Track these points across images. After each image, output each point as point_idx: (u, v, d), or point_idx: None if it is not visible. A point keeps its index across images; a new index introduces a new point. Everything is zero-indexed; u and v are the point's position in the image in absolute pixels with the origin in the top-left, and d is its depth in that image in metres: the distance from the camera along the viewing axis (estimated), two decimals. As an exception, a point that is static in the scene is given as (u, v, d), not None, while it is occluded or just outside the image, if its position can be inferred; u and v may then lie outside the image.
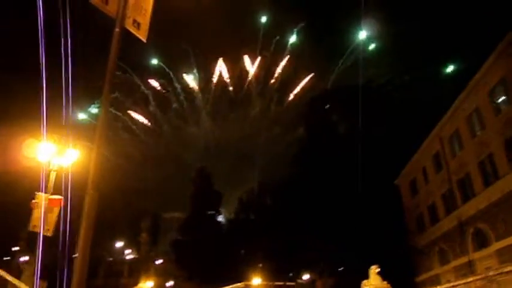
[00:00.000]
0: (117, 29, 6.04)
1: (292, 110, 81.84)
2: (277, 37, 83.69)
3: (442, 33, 60.42)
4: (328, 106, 59.79)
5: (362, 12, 67.35)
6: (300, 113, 68.86)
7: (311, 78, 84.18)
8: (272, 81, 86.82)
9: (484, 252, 31.01)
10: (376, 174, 44.19)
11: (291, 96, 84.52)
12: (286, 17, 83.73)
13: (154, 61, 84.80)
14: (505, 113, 28.35)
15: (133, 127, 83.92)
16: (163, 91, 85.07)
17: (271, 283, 38.71)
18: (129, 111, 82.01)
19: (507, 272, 13.83)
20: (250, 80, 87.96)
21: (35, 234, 15.32)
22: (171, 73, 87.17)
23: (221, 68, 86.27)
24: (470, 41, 47.69)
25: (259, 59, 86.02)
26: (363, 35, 74.54)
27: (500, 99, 29.15)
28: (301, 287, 50.20)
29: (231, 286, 35.59)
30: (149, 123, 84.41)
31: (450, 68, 66.59)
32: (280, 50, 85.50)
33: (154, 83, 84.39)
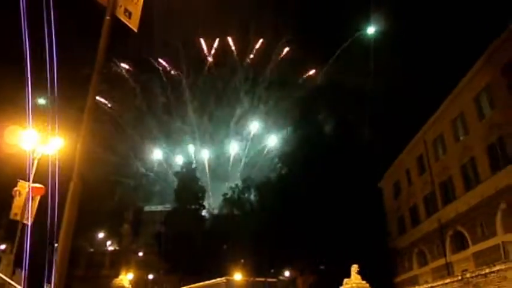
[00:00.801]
0: (107, 17, 5.97)
1: (282, 106, 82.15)
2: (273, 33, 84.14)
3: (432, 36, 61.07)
4: (317, 104, 59.97)
5: (371, 7, 67.78)
6: (288, 110, 69.19)
7: (304, 74, 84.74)
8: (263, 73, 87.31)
9: (462, 254, 31.60)
10: (360, 175, 44.57)
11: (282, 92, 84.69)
12: (284, 12, 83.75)
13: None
14: (489, 118, 28.84)
15: (119, 120, 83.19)
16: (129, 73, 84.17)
17: (252, 279, 38.78)
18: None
19: (483, 275, 14.12)
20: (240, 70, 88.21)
21: (15, 222, 15.10)
22: (160, 69, 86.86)
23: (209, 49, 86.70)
24: (458, 45, 48.22)
25: (254, 50, 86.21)
26: (371, 30, 74.69)
27: (484, 105, 29.65)
28: (282, 284, 50.45)
29: (212, 281, 35.57)
30: (110, 105, 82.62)
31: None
32: (276, 43, 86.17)
33: (125, 65, 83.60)
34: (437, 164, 36.13)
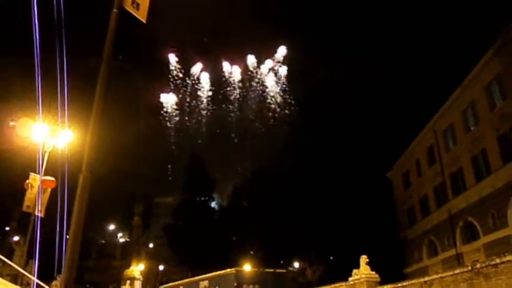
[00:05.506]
0: (115, 10, 5.97)
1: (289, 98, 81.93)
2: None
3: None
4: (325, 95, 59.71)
5: None
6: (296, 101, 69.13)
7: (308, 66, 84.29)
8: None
9: (472, 245, 31.41)
10: (369, 166, 44.47)
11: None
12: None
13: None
14: (500, 108, 28.46)
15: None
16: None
17: (261, 270, 39.01)
18: None
19: (494, 265, 14.00)
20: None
21: (28, 215, 15.32)
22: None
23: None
24: (469, 34, 47.63)
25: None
26: None
27: (495, 95, 29.24)
28: (291, 275, 50.68)
29: (222, 271, 35.90)
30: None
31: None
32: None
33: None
34: (447, 154, 35.81)
